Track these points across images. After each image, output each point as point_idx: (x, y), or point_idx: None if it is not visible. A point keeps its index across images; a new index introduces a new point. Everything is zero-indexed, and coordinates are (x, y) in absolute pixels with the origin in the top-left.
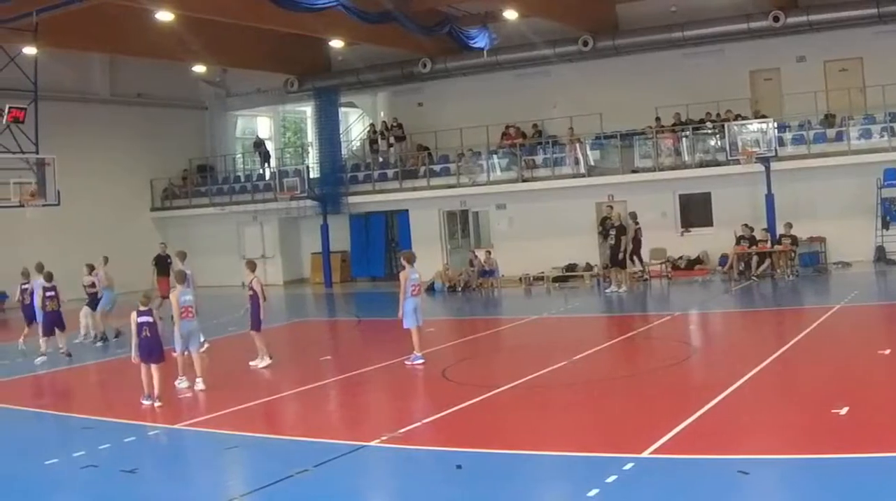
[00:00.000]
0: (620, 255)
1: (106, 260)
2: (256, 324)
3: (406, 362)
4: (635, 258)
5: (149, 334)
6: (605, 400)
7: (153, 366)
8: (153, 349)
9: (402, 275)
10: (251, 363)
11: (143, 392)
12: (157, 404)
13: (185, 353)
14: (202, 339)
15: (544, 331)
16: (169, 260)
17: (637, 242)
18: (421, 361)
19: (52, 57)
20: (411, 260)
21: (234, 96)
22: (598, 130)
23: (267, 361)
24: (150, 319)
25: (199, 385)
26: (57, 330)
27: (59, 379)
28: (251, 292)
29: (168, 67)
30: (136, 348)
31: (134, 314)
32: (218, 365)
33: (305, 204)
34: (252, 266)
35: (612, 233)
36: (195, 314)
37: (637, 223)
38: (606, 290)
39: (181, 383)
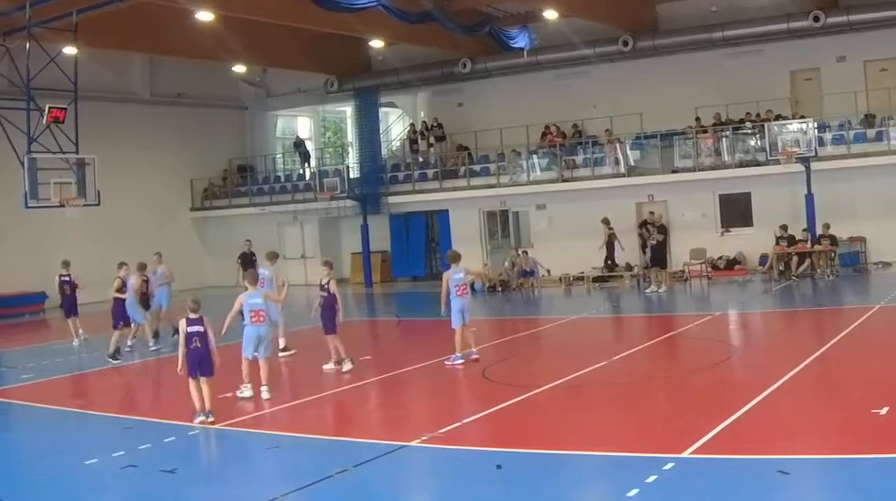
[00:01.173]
0: (647, 252)
1: (160, 256)
2: (332, 327)
3: (446, 362)
4: (609, 262)
5: (199, 344)
6: (645, 400)
7: (203, 380)
8: (203, 360)
9: (444, 275)
10: (325, 366)
11: (194, 408)
12: (209, 419)
13: (253, 358)
14: (282, 346)
15: (584, 331)
16: (255, 258)
17: (611, 247)
18: (461, 361)
19: (92, 57)
20: (455, 259)
21: (274, 96)
22: (638, 130)
23: (348, 365)
24: (200, 328)
25: (265, 393)
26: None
27: (100, 378)
28: (326, 292)
29: (208, 67)
30: (183, 359)
31: (183, 322)
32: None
33: (345, 204)
34: (329, 265)
35: (654, 232)
36: (265, 319)
37: (611, 228)
38: (647, 290)
39: (244, 392)
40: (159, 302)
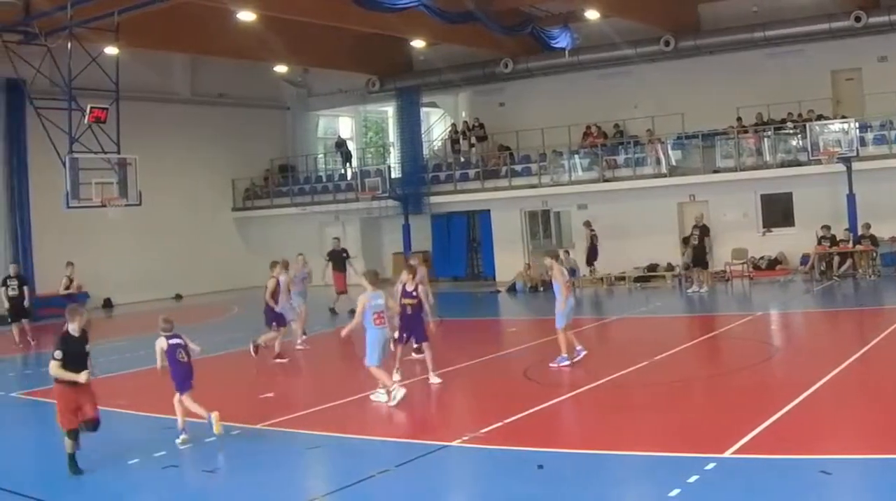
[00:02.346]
0: (704, 255)
1: (303, 257)
2: (423, 336)
3: (551, 365)
4: (592, 266)
5: (185, 357)
6: (686, 400)
7: (186, 396)
8: (189, 374)
9: (557, 271)
10: (433, 381)
11: (179, 426)
12: (182, 438)
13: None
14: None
15: (626, 331)
16: (345, 255)
17: (593, 249)
18: (567, 363)
19: (133, 57)
20: (558, 256)
21: (315, 96)
22: (679, 130)
23: (437, 380)
24: (181, 341)
25: (399, 394)
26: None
27: (140, 378)
28: (415, 300)
29: (249, 67)
30: (172, 374)
31: (163, 339)
32: (302, 365)
33: (387, 204)
34: (413, 267)
35: (696, 233)
36: (387, 320)
37: (592, 230)
38: (689, 290)
39: (396, 394)
40: (298, 305)
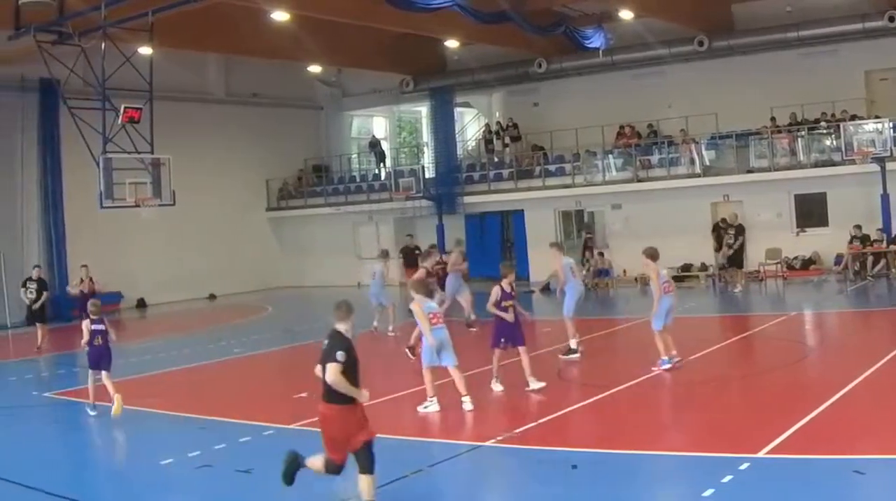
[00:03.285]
0: (740, 254)
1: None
2: (522, 340)
3: (653, 369)
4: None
5: (101, 342)
6: (720, 400)
7: (104, 374)
8: (103, 356)
9: (652, 271)
10: (495, 387)
11: (91, 398)
12: (92, 413)
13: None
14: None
15: None
16: (417, 252)
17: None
18: (668, 366)
19: (167, 57)
20: (655, 257)
21: (349, 96)
22: (713, 130)
23: (537, 385)
24: (102, 327)
25: (468, 404)
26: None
27: (174, 378)
28: (513, 302)
29: (283, 67)
30: (88, 354)
31: (87, 322)
32: None
33: (421, 204)
34: (511, 267)
35: (731, 232)
36: (442, 320)
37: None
38: (735, 290)
39: (429, 406)
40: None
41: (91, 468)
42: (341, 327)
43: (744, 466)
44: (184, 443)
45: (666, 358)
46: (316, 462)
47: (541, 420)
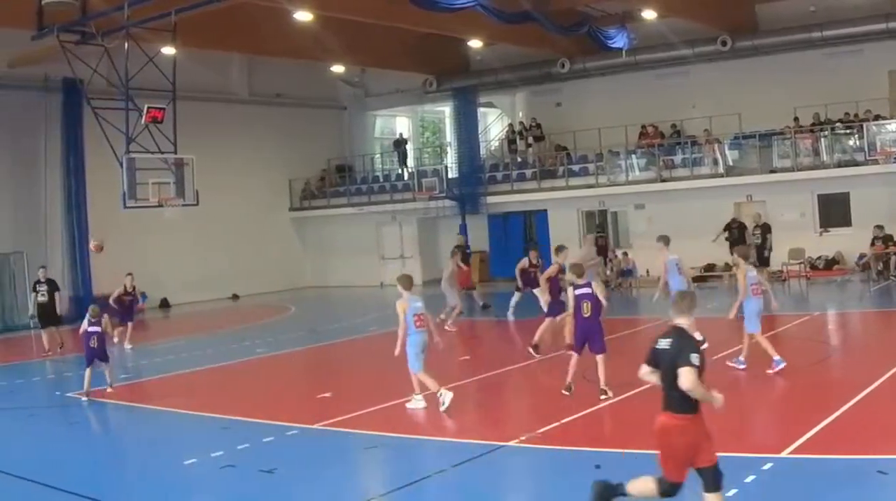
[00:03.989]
0: (766, 253)
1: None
2: (602, 346)
3: (769, 371)
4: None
5: (96, 344)
6: (743, 400)
7: (105, 365)
8: (99, 353)
9: (741, 272)
10: (604, 395)
11: (87, 389)
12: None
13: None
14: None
15: None
16: (468, 250)
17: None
18: (782, 366)
19: (190, 57)
20: (747, 256)
21: (372, 96)
22: (736, 130)
23: (608, 395)
24: (98, 329)
25: (415, 403)
26: None
27: (197, 378)
28: (590, 299)
29: (307, 67)
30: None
31: (86, 322)
32: (357, 364)
33: (444, 204)
34: (580, 270)
35: (758, 232)
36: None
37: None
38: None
39: (416, 402)
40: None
41: (114, 468)
42: (683, 322)
43: (767, 466)
44: (207, 443)
45: (777, 356)
46: (643, 485)
47: (564, 420)
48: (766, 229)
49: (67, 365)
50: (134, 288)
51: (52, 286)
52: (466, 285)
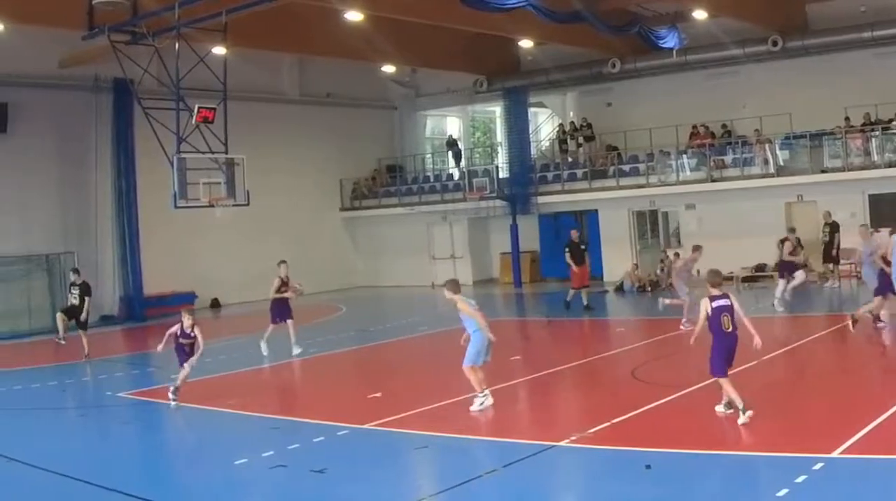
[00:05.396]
0: (833, 251)
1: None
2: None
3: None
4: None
5: (188, 348)
6: (794, 400)
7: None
8: (190, 354)
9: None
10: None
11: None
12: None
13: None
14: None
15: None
16: (584, 247)
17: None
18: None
19: (241, 57)
20: None
21: (423, 96)
22: (787, 130)
23: (742, 415)
24: (191, 341)
25: (481, 403)
26: None
27: (248, 378)
28: (730, 312)
29: (357, 67)
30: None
31: (177, 328)
32: (408, 364)
33: (495, 204)
34: (718, 276)
35: (826, 230)
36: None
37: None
38: (832, 285)
39: (484, 401)
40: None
41: (165, 468)
42: None
43: (818, 466)
44: (258, 443)
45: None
46: None
47: (615, 420)
48: (834, 227)
49: (117, 366)
50: (288, 279)
51: (84, 291)
52: (579, 285)
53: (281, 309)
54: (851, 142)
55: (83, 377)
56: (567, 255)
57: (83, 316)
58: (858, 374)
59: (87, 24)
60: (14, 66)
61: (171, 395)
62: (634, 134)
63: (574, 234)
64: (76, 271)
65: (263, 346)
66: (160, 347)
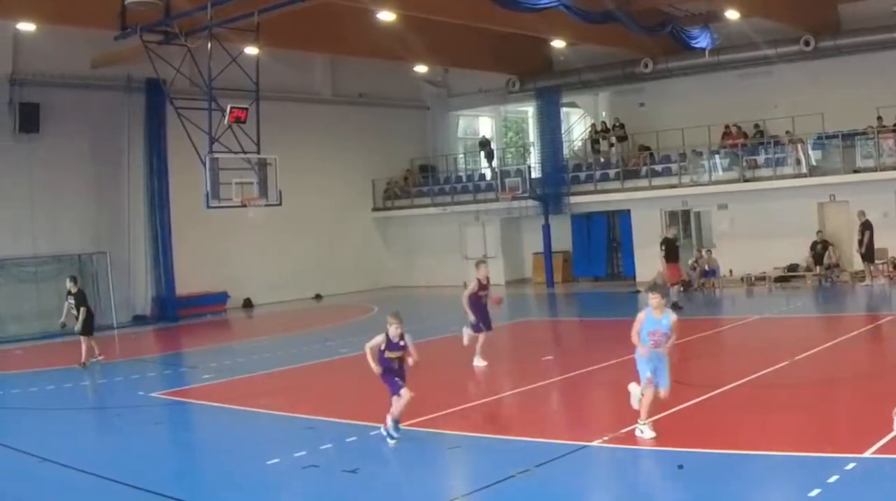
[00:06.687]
0: (862, 250)
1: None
2: None
3: None
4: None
5: (398, 365)
6: (826, 400)
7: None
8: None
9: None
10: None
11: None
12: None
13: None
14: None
15: (766, 331)
16: (678, 243)
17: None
18: None
19: (273, 57)
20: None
21: (455, 96)
22: (819, 130)
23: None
24: (401, 353)
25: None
26: None
27: (280, 378)
28: None
29: (390, 67)
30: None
31: (381, 338)
32: (440, 364)
33: (527, 204)
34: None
35: (858, 228)
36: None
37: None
38: (867, 284)
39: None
40: None
41: (198, 468)
42: None
43: (850, 466)
44: (290, 443)
45: None
46: None
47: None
48: (866, 226)
49: (149, 366)
50: (488, 280)
51: (80, 301)
52: (676, 281)
53: (483, 315)
54: (884, 142)
55: (115, 377)
56: (662, 252)
57: (77, 327)
58: (889, 376)
59: (120, 25)
60: (46, 66)
61: (389, 430)
62: (667, 134)
63: (669, 231)
64: (73, 279)
65: (477, 359)
66: (375, 368)
